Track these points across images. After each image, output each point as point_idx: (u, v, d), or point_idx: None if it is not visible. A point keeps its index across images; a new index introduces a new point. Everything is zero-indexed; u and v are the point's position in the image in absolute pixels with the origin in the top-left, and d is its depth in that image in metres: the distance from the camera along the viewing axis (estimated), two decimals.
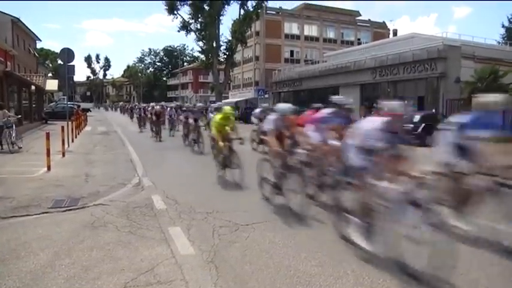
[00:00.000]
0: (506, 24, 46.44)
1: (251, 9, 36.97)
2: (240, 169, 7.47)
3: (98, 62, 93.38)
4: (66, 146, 12.11)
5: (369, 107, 19.27)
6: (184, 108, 18.13)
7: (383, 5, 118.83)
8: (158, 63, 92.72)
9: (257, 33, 46.46)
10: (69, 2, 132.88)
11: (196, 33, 37.44)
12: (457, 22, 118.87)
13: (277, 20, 47.50)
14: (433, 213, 3.63)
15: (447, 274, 3.44)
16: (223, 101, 36.72)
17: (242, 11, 36.85)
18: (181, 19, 37.23)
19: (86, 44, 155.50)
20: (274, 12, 47.52)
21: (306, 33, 49.15)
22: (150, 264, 3.93)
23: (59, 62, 19.34)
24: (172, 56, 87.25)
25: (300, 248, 4.39)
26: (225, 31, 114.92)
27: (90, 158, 11.51)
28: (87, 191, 7.16)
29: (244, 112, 30.52)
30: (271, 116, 6.46)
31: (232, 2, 36.95)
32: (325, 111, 6.53)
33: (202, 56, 42.04)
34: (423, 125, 15.10)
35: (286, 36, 48.07)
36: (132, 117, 31.29)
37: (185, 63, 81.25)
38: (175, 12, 36.83)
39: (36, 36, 38.77)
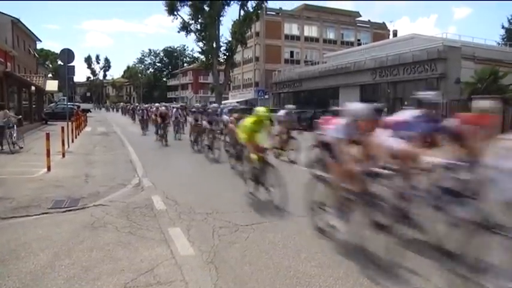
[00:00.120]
0: (506, 25, 46.56)
1: (251, 10, 36.99)
2: (280, 188, 5.95)
3: (98, 63, 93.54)
4: (66, 146, 12.11)
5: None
6: (193, 109, 15.46)
7: (383, 5, 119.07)
8: (158, 64, 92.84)
9: (257, 34, 46.49)
10: (69, 2, 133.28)
11: (196, 34, 37.47)
12: (457, 23, 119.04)
13: (277, 21, 47.55)
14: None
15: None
16: (223, 101, 36.78)
17: (242, 12, 36.88)
18: (181, 20, 37.28)
19: (86, 44, 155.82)
20: (274, 13, 47.58)
21: (306, 34, 49.19)
22: (150, 264, 3.93)
23: (59, 62, 19.30)
24: (172, 57, 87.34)
25: (300, 249, 4.39)
26: (225, 32, 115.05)
27: (90, 158, 11.51)
28: (87, 191, 7.16)
29: None
30: (340, 120, 4.55)
31: (232, 2, 37.00)
32: (409, 114, 4.72)
33: (202, 57, 42.03)
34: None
35: (286, 37, 48.11)
36: (134, 119, 30.85)
37: (185, 64, 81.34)
38: (175, 12, 36.85)
39: (36, 37, 38.84)
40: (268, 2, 42.99)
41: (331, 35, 50.72)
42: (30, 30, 35.46)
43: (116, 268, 3.85)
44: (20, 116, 16.03)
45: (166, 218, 5.52)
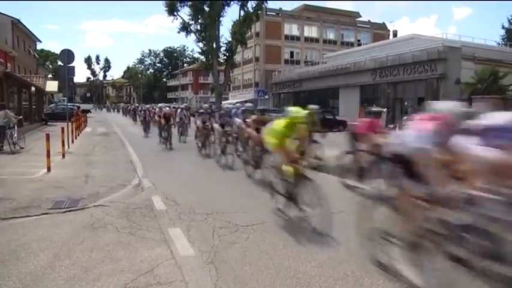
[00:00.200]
0: (506, 25, 46.60)
1: (251, 10, 36.96)
2: (322, 208, 4.93)
3: (98, 63, 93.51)
4: (66, 147, 12.10)
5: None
6: (201, 111, 14.15)
7: (383, 5, 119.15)
8: (158, 64, 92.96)
9: (257, 34, 46.52)
10: (69, 2, 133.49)
11: (196, 34, 37.44)
12: (457, 23, 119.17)
13: (277, 21, 47.60)
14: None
15: None
16: (223, 102, 36.75)
17: (242, 12, 36.85)
18: (181, 20, 37.26)
19: (86, 45, 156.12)
20: (274, 14, 47.64)
21: (306, 34, 49.24)
22: (150, 265, 3.93)
23: (59, 63, 19.29)
24: (172, 57, 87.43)
25: (300, 249, 4.39)
26: (225, 32, 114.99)
27: (90, 159, 11.51)
28: (87, 192, 7.16)
29: None
30: (425, 124, 3.51)
31: (232, 3, 36.99)
32: (502, 117, 3.48)
33: (202, 57, 41.95)
34: None
35: (286, 37, 48.17)
36: (135, 120, 30.42)
37: (185, 64, 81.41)
38: (175, 13, 36.82)
39: (36, 38, 38.85)
40: (268, 2, 43.01)
41: (331, 36, 50.77)
42: (30, 31, 35.47)
43: (116, 268, 3.85)
44: (21, 117, 16.04)
45: (166, 219, 5.51)
